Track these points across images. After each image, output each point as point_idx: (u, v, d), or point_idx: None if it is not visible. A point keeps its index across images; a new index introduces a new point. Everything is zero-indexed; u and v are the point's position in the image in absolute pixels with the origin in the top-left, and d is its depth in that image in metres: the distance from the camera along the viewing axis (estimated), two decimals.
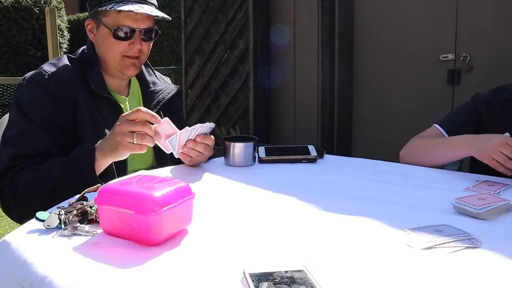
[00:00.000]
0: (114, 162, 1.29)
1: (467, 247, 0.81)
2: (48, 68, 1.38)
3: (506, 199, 1.01)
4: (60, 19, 8.38)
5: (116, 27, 1.36)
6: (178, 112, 1.66)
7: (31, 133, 1.30)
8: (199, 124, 1.27)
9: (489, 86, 1.66)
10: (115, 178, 1.28)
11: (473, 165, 1.63)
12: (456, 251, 0.80)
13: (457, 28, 3.17)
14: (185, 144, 1.27)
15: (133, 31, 1.38)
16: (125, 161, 1.37)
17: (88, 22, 1.44)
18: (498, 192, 1.13)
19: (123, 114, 1.20)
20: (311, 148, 1.50)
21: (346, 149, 3.79)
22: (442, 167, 1.61)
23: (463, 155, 1.42)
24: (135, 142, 1.16)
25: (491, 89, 1.59)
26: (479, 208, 0.96)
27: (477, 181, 1.23)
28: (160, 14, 1.41)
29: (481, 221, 0.95)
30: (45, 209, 0.97)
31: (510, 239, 0.85)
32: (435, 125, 1.57)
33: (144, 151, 1.19)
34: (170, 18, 1.47)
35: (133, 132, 1.16)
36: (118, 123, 1.19)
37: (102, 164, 1.24)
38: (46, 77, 1.34)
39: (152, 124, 1.19)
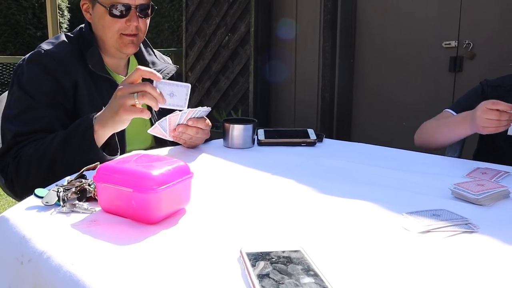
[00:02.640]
0: (112, 142, 1.28)
1: (464, 232, 0.82)
2: (46, 46, 1.36)
3: (505, 186, 1.01)
4: None
5: (111, 4, 1.35)
6: None
7: (34, 110, 1.29)
8: (190, 109, 1.26)
9: (491, 74, 1.66)
10: (117, 152, 1.27)
11: (477, 152, 1.65)
12: (453, 235, 0.80)
13: (461, 15, 3.14)
14: (175, 129, 1.26)
15: (128, 8, 1.36)
16: (123, 140, 1.37)
17: (84, 1, 1.43)
18: (497, 179, 1.13)
19: (124, 79, 1.16)
20: (311, 131, 1.50)
21: (345, 134, 3.79)
22: (442, 153, 1.62)
23: (465, 133, 1.45)
24: (136, 102, 1.11)
25: (501, 76, 1.62)
26: (477, 194, 0.96)
27: (477, 167, 1.23)
28: None
29: (478, 206, 0.95)
30: (46, 184, 0.97)
31: (506, 225, 0.86)
32: (447, 109, 1.61)
33: (147, 116, 1.14)
34: None
35: (134, 93, 1.11)
36: (119, 87, 1.15)
37: (102, 135, 1.21)
38: (45, 55, 1.33)
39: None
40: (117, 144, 1.27)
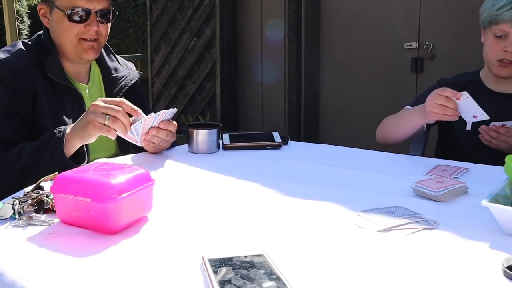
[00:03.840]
0: (80, 151, 1.25)
1: (424, 228, 0.83)
2: (2, 55, 1.31)
3: (463, 182, 1.04)
4: (19, 4, 8.07)
5: (70, 9, 1.31)
6: (143, 100, 1.63)
7: None
8: (163, 111, 1.25)
9: (451, 73, 1.70)
10: (85, 161, 1.24)
11: (437, 150, 1.69)
12: (413, 232, 0.82)
13: (420, 17, 3.22)
14: (147, 132, 1.24)
15: (88, 12, 1.33)
16: (86, 149, 1.33)
17: (41, 6, 1.38)
18: (456, 176, 1.16)
19: (102, 98, 1.16)
20: (276, 134, 1.50)
21: (313, 135, 3.82)
22: (406, 152, 1.66)
23: (418, 122, 1.49)
24: (106, 123, 1.12)
25: (456, 74, 1.68)
26: (437, 190, 0.99)
27: (437, 165, 1.26)
28: None
29: (439, 203, 0.97)
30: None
31: (465, 220, 0.88)
32: (407, 106, 1.63)
33: (113, 137, 1.15)
34: None
35: (106, 114, 1.12)
36: (94, 102, 1.14)
37: (71, 146, 1.20)
38: (0, 64, 1.28)
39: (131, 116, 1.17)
40: (85, 153, 1.25)
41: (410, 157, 1.47)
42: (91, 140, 1.19)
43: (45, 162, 1.17)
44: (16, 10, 5.16)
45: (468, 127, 1.53)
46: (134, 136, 1.24)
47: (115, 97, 1.48)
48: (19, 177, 1.19)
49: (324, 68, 3.79)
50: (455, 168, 1.22)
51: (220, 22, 4.04)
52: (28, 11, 8.53)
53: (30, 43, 1.39)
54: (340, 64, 3.68)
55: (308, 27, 3.71)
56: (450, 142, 1.63)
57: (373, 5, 3.42)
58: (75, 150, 1.21)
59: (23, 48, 1.36)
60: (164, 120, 1.27)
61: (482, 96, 1.54)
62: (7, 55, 1.32)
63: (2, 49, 1.36)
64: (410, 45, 3.28)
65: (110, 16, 1.39)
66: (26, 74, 1.30)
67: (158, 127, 1.26)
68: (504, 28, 1.41)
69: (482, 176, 1.17)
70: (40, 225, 0.84)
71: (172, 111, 1.28)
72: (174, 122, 1.31)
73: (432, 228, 0.83)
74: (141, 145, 1.30)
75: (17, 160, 1.20)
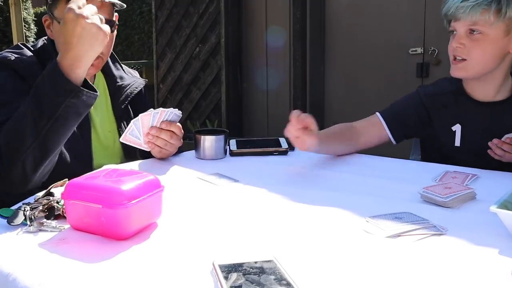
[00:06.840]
0: (78, 158, 1.23)
1: (433, 234, 0.83)
2: (10, 54, 1.30)
3: (471, 188, 1.04)
4: (26, 11, 8.14)
5: None
6: (147, 107, 1.63)
7: (9, 104, 1.18)
8: (161, 108, 1.24)
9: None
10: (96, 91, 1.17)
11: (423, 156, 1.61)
12: (422, 238, 0.82)
13: (425, 23, 3.23)
14: (148, 132, 1.24)
15: None
16: (90, 156, 1.33)
17: (45, 18, 1.37)
18: (467, 182, 1.15)
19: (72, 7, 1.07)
20: (282, 140, 1.50)
21: None
22: (407, 157, 1.64)
23: None
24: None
25: (434, 82, 1.56)
26: (445, 196, 0.99)
27: (446, 171, 1.25)
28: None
29: (447, 209, 0.97)
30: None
31: (473, 226, 0.88)
32: (377, 113, 1.56)
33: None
34: (125, 5, 1.40)
35: (91, 16, 1.07)
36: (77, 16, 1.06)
37: (82, 73, 1.12)
38: (12, 60, 1.27)
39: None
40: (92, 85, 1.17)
41: (417, 163, 1.47)
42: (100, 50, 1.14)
43: (49, 97, 1.10)
44: (23, 18, 5.21)
45: (457, 143, 1.41)
46: (135, 139, 1.24)
47: (121, 105, 1.48)
48: (32, 128, 1.09)
49: (329, 73, 3.80)
50: (465, 174, 1.21)
51: (225, 29, 4.06)
52: (35, 19, 8.60)
53: (33, 48, 1.39)
54: (345, 70, 3.69)
55: (313, 34, 3.72)
56: (440, 158, 1.45)
57: (378, 10, 3.44)
58: (87, 68, 1.14)
59: (28, 50, 1.36)
60: (167, 120, 1.27)
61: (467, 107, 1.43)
62: (16, 54, 1.30)
63: (7, 50, 1.34)
64: (416, 51, 3.29)
65: (112, 28, 1.31)
66: (36, 71, 1.29)
67: (160, 128, 1.26)
68: None
69: (490, 182, 1.17)
70: (51, 231, 0.84)
71: (175, 112, 1.27)
72: (179, 124, 1.31)
73: (441, 234, 0.83)
74: (146, 148, 1.29)
75: (22, 116, 1.12)
